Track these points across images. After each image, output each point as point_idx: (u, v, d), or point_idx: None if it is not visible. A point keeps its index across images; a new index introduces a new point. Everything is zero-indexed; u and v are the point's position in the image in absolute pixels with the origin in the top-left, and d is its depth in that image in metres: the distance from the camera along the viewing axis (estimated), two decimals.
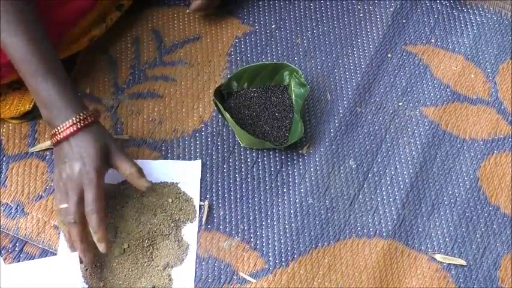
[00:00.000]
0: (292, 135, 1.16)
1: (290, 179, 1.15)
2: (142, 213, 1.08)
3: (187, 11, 1.29)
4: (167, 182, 1.12)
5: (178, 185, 1.11)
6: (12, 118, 1.15)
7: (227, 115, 1.13)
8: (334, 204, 1.13)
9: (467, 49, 1.30)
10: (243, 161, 1.16)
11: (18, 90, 1.14)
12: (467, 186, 1.16)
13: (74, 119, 0.99)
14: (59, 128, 1.00)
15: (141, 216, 1.08)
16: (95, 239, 0.99)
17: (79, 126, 0.99)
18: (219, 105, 1.14)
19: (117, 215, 1.07)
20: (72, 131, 0.99)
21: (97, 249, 1.00)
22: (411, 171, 1.17)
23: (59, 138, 1.00)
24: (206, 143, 1.17)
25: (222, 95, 1.19)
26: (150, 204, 1.09)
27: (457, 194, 1.15)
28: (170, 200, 1.10)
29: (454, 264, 1.10)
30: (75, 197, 0.99)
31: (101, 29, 1.19)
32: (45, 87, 0.99)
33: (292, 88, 1.19)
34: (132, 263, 1.05)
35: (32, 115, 1.16)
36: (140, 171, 1.04)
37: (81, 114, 1.00)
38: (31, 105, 1.14)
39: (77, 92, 1.03)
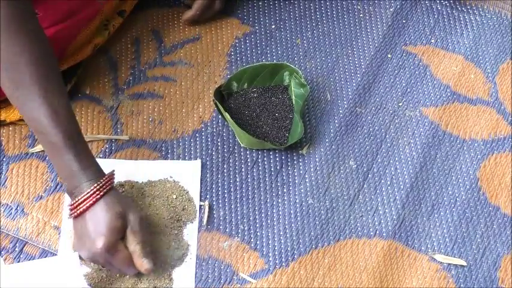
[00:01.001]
0: (292, 135, 1.16)
1: (290, 180, 1.15)
2: (149, 211, 1.08)
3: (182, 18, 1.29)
4: (167, 179, 1.12)
5: (180, 184, 1.12)
6: (19, 120, 1.15)
7: (227, 115, 1.13)
8: (334, 205, 1.13)
9: (467, 49, 1.30)
10: (243, 162, 1.16)
11: None
12: (467, 187, 1.16)
13: (93, 188, 0.97)
14: (80, 198, 0.98)
15: (148, 216, 1.08)
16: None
17: (98, 197, 0.98)
18: (219, 105, 1.14)
19: None
20: (92, 202, 0.97)
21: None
22: (411, 171, 1.17)
23: (81, 210, 0.98)
24: (206, 143, 1.17)
25: (222, 95, 1.19)
26: (156, 203, 1.09)
27: (457, 194, 1.15)
28: (174, 196, 1.10)
29: (454, 265, 1.10)
30: (102, 262, 1.00)
31: (104, 36, 1.19)
32: (66, 158, 0.97)
33: (292, 88, 1.19)
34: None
35: None
36: (144, 251, 1.00)
37: (100, 182, 0.98)
38: None
39: (93, 157, 1.01)
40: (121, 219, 0.98)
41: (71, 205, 0.99)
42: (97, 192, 0.97)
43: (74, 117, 0.99)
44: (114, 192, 1.00)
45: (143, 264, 0.99)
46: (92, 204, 0.97)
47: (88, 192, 0.97)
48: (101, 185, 0.98)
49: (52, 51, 0.98)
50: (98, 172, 1.00)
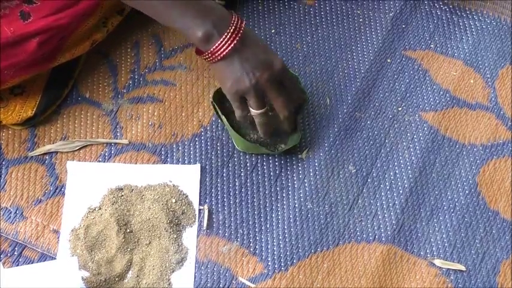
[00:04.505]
0: (288, 141, 1.16)
1: (289, 184, 1.15)
2: (148, 215, 1.08)
3: None
4: (167, 183, 1.12)
5: (179, 188, 1.12)
6: (14, 124, 1.15)
7: (224, 118, 1.13)
8: (333, 209, 1.13)
9: (467, 54, 1.30)
10: (242, 166, 1.16)
11: (20, 96, 1.14)
12: (467, 191, 1.16)
13: (232, 22, 0.98)
14: (222, 36, 0.97)
15: (147, 219, 1.08)
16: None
17: (239, 31, 0.98)
18: (217, 108, 1.14)
19: (123, 221, 1.07)
20: (240, 34, 0.98)
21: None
22: (410, 176, 1.17)
23: (230, 48, 0.98)
24: (206, 147, 1.17)
25: (221, 98, 1.19)
26: (155, 207, 1.09)
27: (456, 199, 1.15)
28: (174, 200, 1.10)
29: (453, 270, 1.10)
30: (274, 88, 1.02)
31: (102, 33, 1.19)
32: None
33: None
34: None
35: (33, 121, 1.16)
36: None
37: (233, 17, 0.98)
38: (33, 111, 1.14)
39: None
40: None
41: (214, 47, 0.98)
42: (240, 26, 0.98)
43: None
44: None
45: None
46: (240, 37, 0.98)
47: (230, 27, 0.97)
48: (236, 21, 0.98)
49: None
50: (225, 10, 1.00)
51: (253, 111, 1.06)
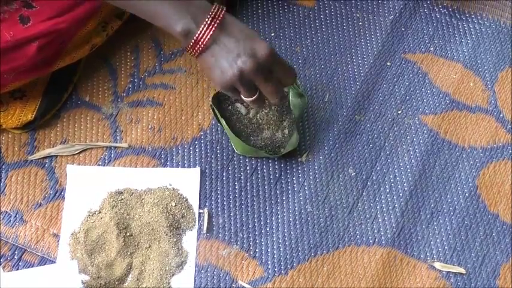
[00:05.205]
0: (286, 144, 1.16)
1: (289, 187, 1.15)
2: (148, 219, 1.08)
3: None
4: (166, 187, 1.12)
5: (179, 191, 1.12)
6: (13, 128, 1.16)
7: (223, 122, 1.13)
8: (333, 212, 1.13)
9: (466, 57, 1.30)
10: (242, 169, 1.16)
11: (20, 99, 1.14)
12: (466, 194, 1.16)
13: (210, 13, 0.95)
14: (202, 26, 0.95)
15: (147, 223, 1.08)
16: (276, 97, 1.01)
17: (219, 19, 0.95)
18: (216, 111, 1.14)
19: (122, 225, 1.07)
20: (219, 21, 0.95)
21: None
22: (410, 179, 1.17)
23: (206, 39, 0.95)
24: (205, 150, 1.17)
25: (220, 101, 1.19)
26: (155, 210, 1.09)
27: (456, 202, 1.15)
28: (173, 204, 1.10)
29: (453, 273, 1.10)
30: (261, 77, 0.98)
31: (102, 37, 1.19)
32: None
33: (290, 98, 1.19)
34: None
35: (33, 125, 1.16)
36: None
37: (213, 6, 0.96)
38: (33, 115, 1.14)
39: None
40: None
41: (196, 39, 0.95)
42: (218, 14, 0.95)
43: None
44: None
45: (292, 70, 1.02)
46: (222, 20, 0.95)
47: (209, 15, 0.94)
48: (215, 10, 0.96)
49: None
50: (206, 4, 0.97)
51: (245, 99, 1.03)
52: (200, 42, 0.95)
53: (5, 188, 1.12)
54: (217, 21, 0.95)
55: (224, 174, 1.15)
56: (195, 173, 1.14)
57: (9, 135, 1.16)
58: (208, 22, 0.95)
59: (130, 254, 1.06)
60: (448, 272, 1.10)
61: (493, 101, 1.26)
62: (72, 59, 1.16)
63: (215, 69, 0.97)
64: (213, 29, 0.95)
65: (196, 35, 0.95)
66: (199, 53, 0.97)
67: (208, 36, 0.95)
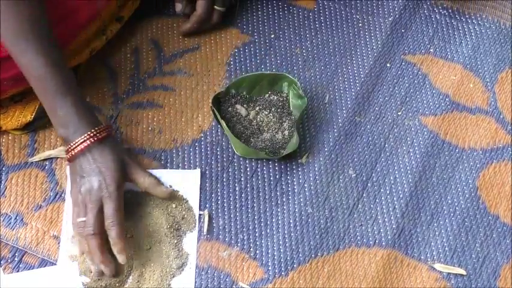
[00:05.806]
0: (287, 146, 1.16)
1: (289, 189, 1.15)
2: (148, 220, 1.08)
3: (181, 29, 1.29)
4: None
5: (179, 193, 1.12)
6: (14, 129, 1.16)
7: (223, 123, 1.13)
8: (333, 214, 1.13)
9: (466, 58, 1.30)
10: (242, 171, 1.16)
11: (20, 102, 1.15)
12: (467, 196, 1.16)
13: (89, 133, 1.02)
14: (75, 142, 1.02)
15: (147, 225, 1.08)
16: (114, 250, 1.01)
17: (94, 139, 1.02)
18: (216, 113, 1.14)
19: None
20: (87, 144, 1.01)
21: (116, 261, 1.02)
22: (410, 180, 1.17)
23: (73, 153, 1.02)
24: (205, 152, 1.17)
25: (220, 103, 1.19)
26: (155, 212, 1.09)
27: (456, 203, 1.15)
28: (174, 205, 1.10)
29: (453, 274, 1.10)
30: (95, 210, 1.01)
31: (101, 41, 1.19)
32: (63, 105, 1.01)
33: (290, 99, 1.19)
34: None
35: (33, 126, 1.16)
36: (157, 181, 1.07)
37: (96, 128, 1.02)
38: (32, 116, 1.14)
39: (91, 107, 1.07)
40: (122, 164, 1.04)
41: (68, 148, 1.03)
42: (98, 135, 1.02)
43: (70, 70, 1.05)
44: (114, 139, 1.06)
45: (163, 190, 1.07)
46: (92, 143, 1.01)
47: (85, 136, 1.01)
48: (101, 128, 1.03)
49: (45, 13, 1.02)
50: (96, 121, 1.04)
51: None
52: (72, 151, 1.02)
53: (5, 190, 1.12)
54: (93, 139, 1.02)
55: (224, 175, 1.15)
56: (195, 174, 1.14)
57: (10, 137, 1.16)
58: (84, 139, 1.02)
59: (131, 256, 1.06)
60: (449, 273, 1.10)
61: (493, 102, 1.26)
62: (72, 63, 1.16)
63: (74, 178, 1.04)
64: (86, 145, 1.02)
65: (71, 144, 1.02)
66: (69, 159, 1.04)
67: (79, 149, 1.02)
